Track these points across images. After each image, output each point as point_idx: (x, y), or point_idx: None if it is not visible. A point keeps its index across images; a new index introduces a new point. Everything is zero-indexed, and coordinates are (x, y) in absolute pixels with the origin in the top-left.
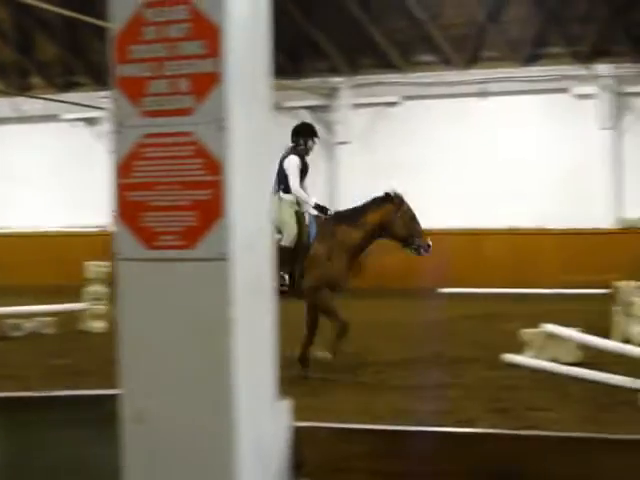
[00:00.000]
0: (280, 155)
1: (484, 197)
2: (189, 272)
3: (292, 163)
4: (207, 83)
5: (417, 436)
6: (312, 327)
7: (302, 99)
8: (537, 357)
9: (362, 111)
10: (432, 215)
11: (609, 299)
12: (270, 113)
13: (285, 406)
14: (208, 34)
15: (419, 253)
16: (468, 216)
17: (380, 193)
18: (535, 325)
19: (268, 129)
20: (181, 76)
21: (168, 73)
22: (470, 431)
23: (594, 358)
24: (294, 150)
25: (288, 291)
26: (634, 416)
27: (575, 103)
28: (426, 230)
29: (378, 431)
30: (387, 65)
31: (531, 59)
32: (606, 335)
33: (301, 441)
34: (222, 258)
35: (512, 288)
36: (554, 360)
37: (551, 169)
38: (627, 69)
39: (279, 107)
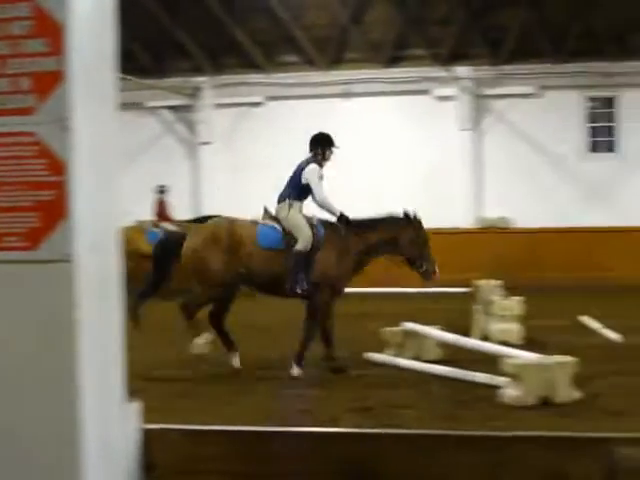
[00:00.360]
0: (298, 163)
1: (347, 197)
2: (33, 274)
3: (314, 173)
4: (50, 82)
5: (269, 437)
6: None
7: (165, 99)
8: (398, 355)
9: (225, 111)
10: None
11: (470, 298)
12: (116, 113)
13: (134, 408)
14: (51, 32)
15: (426, 278)
16: (330, 217)
17: (399, 212)
18: (398, 324)
19: (114, 129)
20: (23, 74)
21: (10, 71)
22: (323, 431)
23: (454, 356)
24: (313, 159)
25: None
26: (492, 412)
27: (436, 105)
28: None
29: (228, 432)
30: (250, 65)
31: (393, 61)
32: (466, 333)
33: (152, 443)
34: (66, 259)
35: (377, 288)
36: (415, 358)
37: (412, 169)
38: (486, 72)
39: (141, 107)
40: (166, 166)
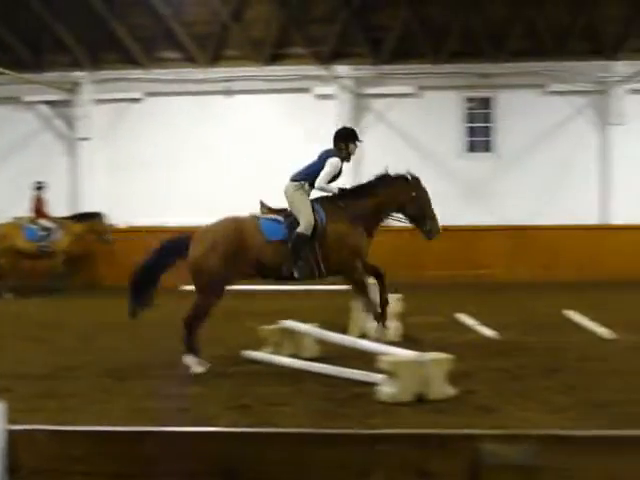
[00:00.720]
0: (321, 152)
1: (229, 194)
2: None
3: (333, 164)
4: None
5: (139, 437)
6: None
7: (43, 93)
8: (276, 353)
9: (104, 107)
10: (175, 211)
11: (348, 295)
12: None
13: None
14: None
15: (429, 237)
16: (213, 213)
17: (390, 172)
18: (277, 321)
19: None
20: None
21: None
22: (195, 430)
23: (332, 353)
24: (338, 153)
25: (309, 277)
26: (369, 409)
27: (316, 103)
28: (168, 228)
29: (96, 433)
30: (130, 61)
31: (273, 59)
32: (345, 330)
33: (17, 444)
34: None
35: (256, 285)
36: (293, 355)
37: (292, 167)
38: (366, 71)
39: (18, 101)
40: (44, 162)
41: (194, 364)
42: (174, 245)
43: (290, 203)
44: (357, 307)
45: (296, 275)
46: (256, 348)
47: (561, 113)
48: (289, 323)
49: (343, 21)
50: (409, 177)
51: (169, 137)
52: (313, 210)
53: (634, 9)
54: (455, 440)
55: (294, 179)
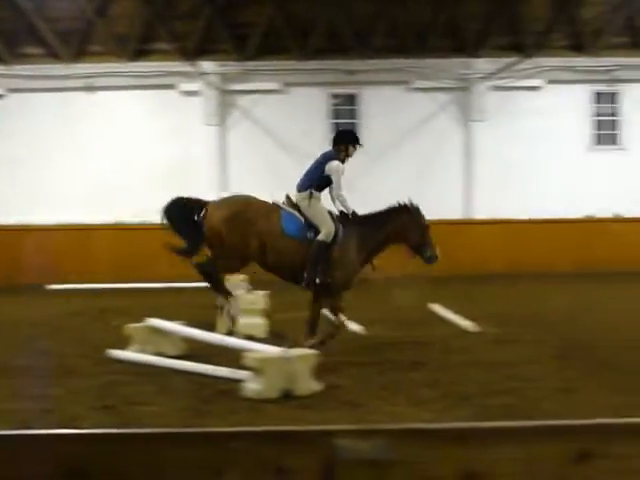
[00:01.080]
0: (318, 156)
1: (93, 192)
2: None
3: (338, 169)
4: None
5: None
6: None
7: None
8: (142, 351)
9: None
10: (39, 210)
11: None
12: None
13: None
14: None
15: (429, 262)
16: (76, 211)
17: (395, 203)
18: (143, 319)
19: None
20: None
21: None
22: (38, 433)
23: (199, 351)
24: (337, 155)
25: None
26: (234, 406)
27: (181, 99)
28: (32, 226)
29: None
30: None
31: (138, 54)
32: (213, 328)
33: None
34: None
35: (123, 283)
36: (159, 354)
37: (158, 165)
38: (231, 67)
39: None
40: None
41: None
42: (194, 203)
43: (308, 213)
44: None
45: (317, 281)
46: (122, 347)
47: (425, 109)
48: (155, 321)
49: (207, 17)
50: (411, 207)
51: (33, 134)
52: (334, 218)
53: (495, 6)
54: (310, 436)
55: (300, 189)
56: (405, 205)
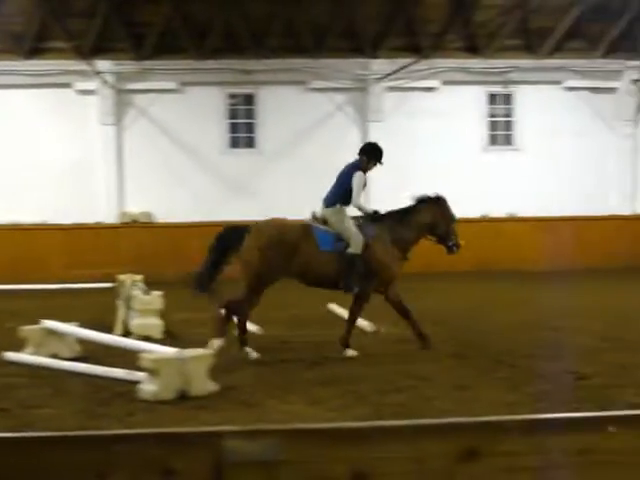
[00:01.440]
0: (344, 167)
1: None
2: None
3: (360, 178)
4: None
5: None
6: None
7: None
8: (37, 354)
9: None
10: None
11: (113, 293)
12: None
13: None
14: None
15: (451, 251)
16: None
17: (421, 195)
18: (38, 321)
19: None
20: None
21: None
22: None
23: (94, 352)
24: (360, 165)
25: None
26: (130, 408)
27: (77, 98)
28: None
29: None
30: None
31: (33, 52)
32: (110, 329)
33: None
34: None
35: (18, 284)
36: (54, 356)
37: (55, 164)
38: (128, 66)
39: None
40: None
41: (250, 352)
42: (232, 234)
43: (337, 227)
44: (121, 305)
45: (355, 289)
46: (16, 349)
47: (323, 110)
48: (50, 323)
49: (104, 15)
50: (438, 198)
51: None
52: (360, 227)
53: (392, 8)
54: (198, 438)
55: (328, 204)
56: (434, 197)
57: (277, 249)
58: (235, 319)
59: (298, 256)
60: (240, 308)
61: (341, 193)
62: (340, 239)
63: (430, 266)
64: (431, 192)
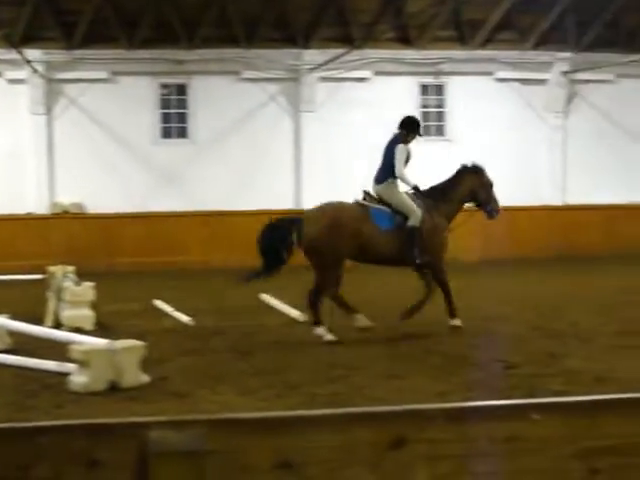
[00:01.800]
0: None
1: None
2: None
3: (402, 151)
4: None
5: None
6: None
7: None
8: None
9: None
10: None
11: (44, 285)
12: None
13: None
14: None
15: (492, 216)
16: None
17: (459, 166)
18: None
19: None
20: None
21: None
22: None
23: (25, 344)
24: (401, 138)
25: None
26: (60, 400)
27: (7, 88)
28: None
29: None
30: None
31: None
32: (41, 320)
33: None
34: None
35: None
36: None
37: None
38: (58, 55)
39: None
40: None
41: (324, 334)
42: (287, 223)
43: (393, 202)
44: (51, 296)
45: (418, 261)
46: None
47: (255, 100)
48: None
49: (33, 4)
50: (477, 168)
51: None
52: (414, 200)
53: None
54: (123, 428)
55: (380, 180)
56: (471, 167)
57: (338, 232)
58: (314, 305)
59: (359, 237)
60: (320, 293)
61: (388, 168)
62: (397, 212)
63: None
64: (469, 162)
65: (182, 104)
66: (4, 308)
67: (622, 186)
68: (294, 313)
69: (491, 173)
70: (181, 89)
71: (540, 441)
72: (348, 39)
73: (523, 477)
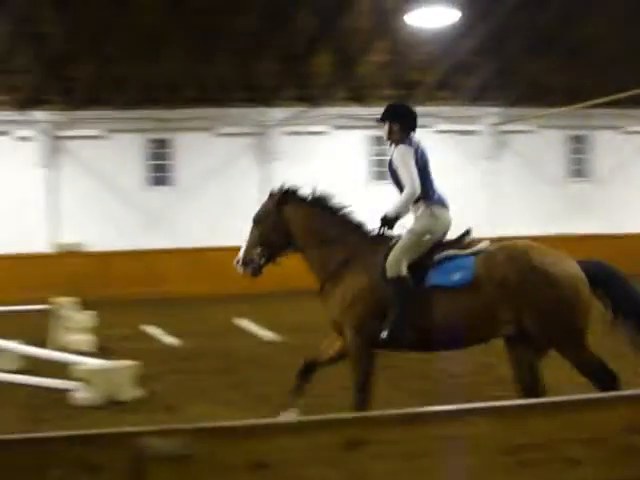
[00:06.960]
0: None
1: None
2: None
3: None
4: None
5: None
6: None
7: None
8: None
9: None
10: None
11: (49, 313)
12: None
13: None
14: None
15: None
16: None
17: None
18: None
19: None
20: None
21: None
22: None
23: (34, 366)
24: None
25: None
26: (69, 413)
27: (17, 145)
28: None
29: None
30: None
31: None
32: (47, 345)
33: None
34: None
35: None
36: None
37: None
38: (61, 116)
39: None
40: None
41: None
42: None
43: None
44: (56, 324)
45: None
46: None
47: (229, 152)
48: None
49: (39, 71)
50: None
51: None
52: None
53: (286, 64)
54: (119, 437)
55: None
56: None
57: None
58: None
59: None
60: None
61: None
62: None
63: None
64: None
65: (167, 156)
66: (14, 335)
67: (538, 220)
68: (265, 334)
69: None
70: (166, 143)
71: (477, 439)
72: (308, 98)
73: (464, 471)
